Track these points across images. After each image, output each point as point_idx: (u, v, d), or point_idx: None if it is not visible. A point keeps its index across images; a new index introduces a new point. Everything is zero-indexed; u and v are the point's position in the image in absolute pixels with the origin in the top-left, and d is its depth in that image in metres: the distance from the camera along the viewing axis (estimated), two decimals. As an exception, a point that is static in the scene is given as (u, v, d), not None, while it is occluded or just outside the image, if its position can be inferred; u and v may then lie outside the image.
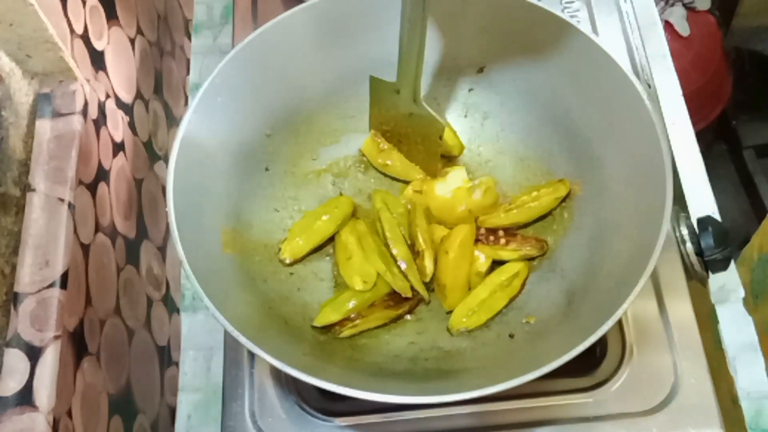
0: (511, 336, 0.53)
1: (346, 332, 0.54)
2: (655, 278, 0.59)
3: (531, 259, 0.57)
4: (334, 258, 0.59)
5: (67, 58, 0.53)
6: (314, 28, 0.58)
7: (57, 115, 0.53)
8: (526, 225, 0.59)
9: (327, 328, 0.55)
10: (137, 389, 0.57)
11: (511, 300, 0.55)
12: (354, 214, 0.60)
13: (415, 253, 0.56)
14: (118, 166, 0.60)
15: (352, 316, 0.54)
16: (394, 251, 0.56)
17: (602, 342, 0.58)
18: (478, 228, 0.58)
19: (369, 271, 0.56)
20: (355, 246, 0.57)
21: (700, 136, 0.66)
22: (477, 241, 0.57)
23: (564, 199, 0.57)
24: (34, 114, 0.54)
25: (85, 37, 0.56)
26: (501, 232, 0.57)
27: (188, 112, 0.52)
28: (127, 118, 0.63)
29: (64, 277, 0.48)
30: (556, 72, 0.56)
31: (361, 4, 0.58)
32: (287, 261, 0.57)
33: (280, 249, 0.58)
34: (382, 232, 0.58)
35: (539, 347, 0.50)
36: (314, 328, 0.54)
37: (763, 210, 1.32)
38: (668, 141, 0.48)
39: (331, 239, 0.59)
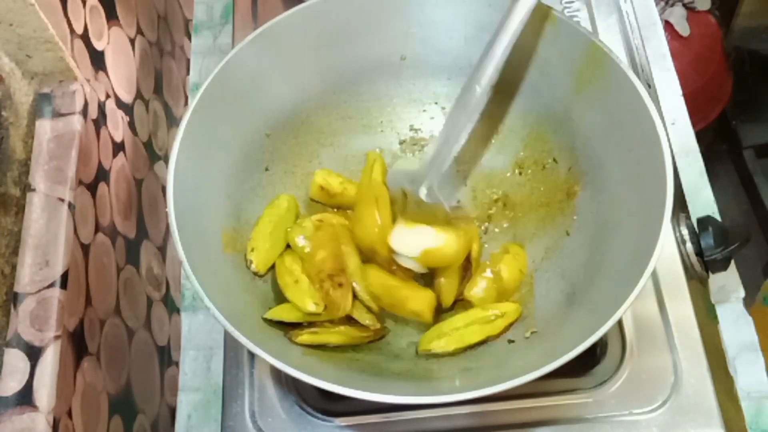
0: (511, 342, 0.53)
1: (304, 338, 0.51)
2: (655, 278, 0.59)
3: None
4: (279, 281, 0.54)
5: (67, 58, 0.53)
6: (314, 28, 0.58)
7: (57, 115, 0.53)
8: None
9: (292, 327, 0.52)
10: (137, 389, 0.57)
11: (487, 339, 0.53)
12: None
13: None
14: (118, 166, 0.60)
15: (308, 323, 0.52)
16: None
17: (602, 342, 0.58)
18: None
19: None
20: (300, 270, 0.54)
21: (700, 136, 0.66)
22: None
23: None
24: (34, 114, 0.53)
25: (85, 37, 0.56)
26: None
27: (188, 112, 0.52)
28: (127, 118, 0.63)
29: (64, 277, 0.48)
30: (556, 72, 0.56)
31: (360, 5, 0.58)
32: (261, 273, 0.55)
33: (251, 261, 0.54)
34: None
35: (539, 347, 0.50)
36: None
37: (763, 210, 1.32)
38: (668, 141, 0.48)
39: None
